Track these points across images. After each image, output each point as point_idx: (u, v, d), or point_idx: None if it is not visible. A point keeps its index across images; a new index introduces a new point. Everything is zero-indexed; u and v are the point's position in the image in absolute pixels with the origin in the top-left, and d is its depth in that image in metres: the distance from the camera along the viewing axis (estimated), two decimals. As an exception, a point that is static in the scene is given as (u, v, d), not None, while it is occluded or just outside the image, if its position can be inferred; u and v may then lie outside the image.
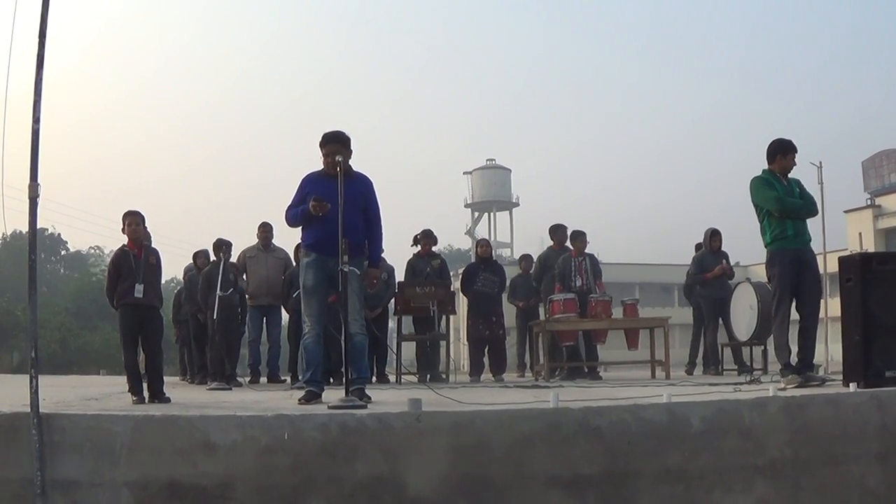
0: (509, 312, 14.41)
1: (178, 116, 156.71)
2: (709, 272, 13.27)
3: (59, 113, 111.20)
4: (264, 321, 13.11)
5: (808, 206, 8.20)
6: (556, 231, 13.93)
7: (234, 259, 12.42)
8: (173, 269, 44.11)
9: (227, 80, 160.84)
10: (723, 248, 13.63)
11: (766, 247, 8.16)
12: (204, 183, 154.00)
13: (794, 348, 8.04)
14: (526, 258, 15.81)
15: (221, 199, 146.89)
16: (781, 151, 8.20)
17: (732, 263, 13.82)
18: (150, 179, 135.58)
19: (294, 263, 12.03)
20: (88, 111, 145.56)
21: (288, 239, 12.73)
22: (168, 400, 7.74)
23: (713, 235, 13.53)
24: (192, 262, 13.45)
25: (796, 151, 8.22)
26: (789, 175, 8.25)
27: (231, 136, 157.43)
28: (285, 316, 13.20)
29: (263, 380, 13.01)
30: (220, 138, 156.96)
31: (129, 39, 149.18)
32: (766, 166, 8.28)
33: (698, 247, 14.30)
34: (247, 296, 12.64)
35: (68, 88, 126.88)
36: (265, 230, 13.09)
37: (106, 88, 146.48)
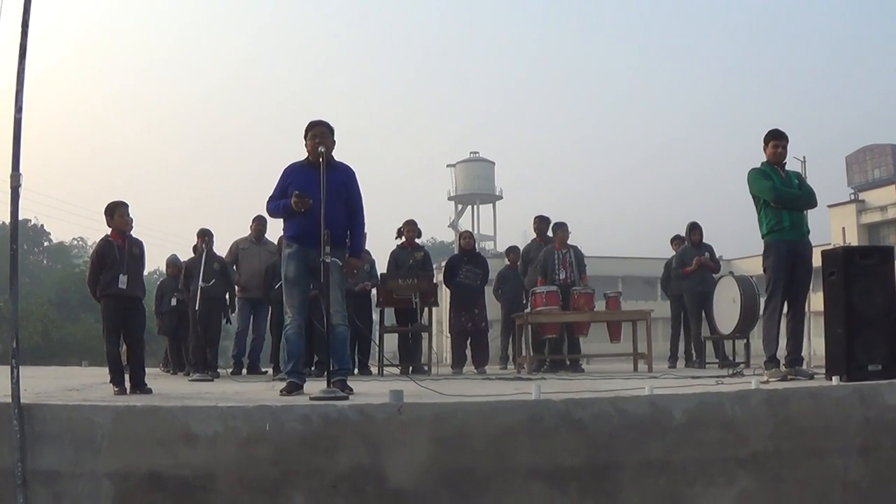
0: (492, 304, 14.38)
1: (163, 111, 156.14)
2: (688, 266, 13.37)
3: (46, 107, 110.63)
4: (251, 313, 13.08)
5: (806, 197, 8.18)
6: (539, 223, 13.96)
7: (226, 250, 12.44)
8: (155, 261, 43.86)
9: (212, 74, 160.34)
10: (706, 242, 13.70)
11: (762, 238, 8.15)
12: (186, 175, 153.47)
13: (781, 342, 8.04)
14: (513, 250, 15.71)
15: (203, 190, 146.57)
16: (766, 140, 8.23)
17: (717, 257, 13.85)
18: (133, 171, 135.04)
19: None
20: (75, 105, 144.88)
21: (279, 232, 12.60)
22: (149, 391, 7.73)
23: (692, 229, 13.64)
24: (172, 255, 13.46)
25: (782, 139, 8.18)
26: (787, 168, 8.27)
27: (215, 129, 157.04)
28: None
29: (245, 371, 12.97)
30: (205, 132, 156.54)
31: (115, 35, 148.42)
32: (763, 159, 8.28)
33: (674, 240, 14.39)
34: (237, 287, 12.59)
35: (55, 82, 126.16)
36: (259, 223, 13.03)
37: (91, 82, 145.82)
